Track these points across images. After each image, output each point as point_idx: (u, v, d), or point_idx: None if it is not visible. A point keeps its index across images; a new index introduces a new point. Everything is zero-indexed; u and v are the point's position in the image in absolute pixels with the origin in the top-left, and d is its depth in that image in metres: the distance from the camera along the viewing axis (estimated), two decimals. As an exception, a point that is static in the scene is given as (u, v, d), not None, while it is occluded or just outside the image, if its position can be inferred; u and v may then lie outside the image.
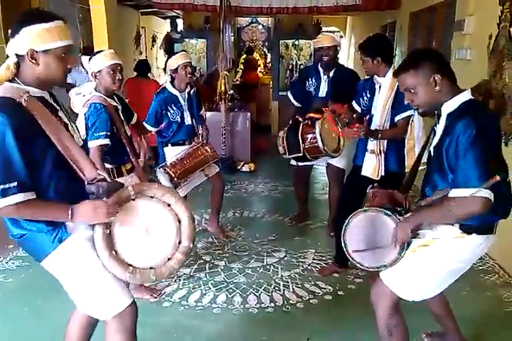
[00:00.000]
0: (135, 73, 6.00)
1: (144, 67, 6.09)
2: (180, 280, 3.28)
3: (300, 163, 3.93)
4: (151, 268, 1.83)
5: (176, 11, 9.77)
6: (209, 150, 3.65)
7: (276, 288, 3.20)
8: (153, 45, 11.96)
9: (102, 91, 2.79)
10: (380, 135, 2.98)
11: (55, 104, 1.78)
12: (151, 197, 1.87)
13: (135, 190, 1.83)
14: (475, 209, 1.76)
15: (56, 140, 1.67)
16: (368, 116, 3.14)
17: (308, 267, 3.52)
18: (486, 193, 1.73)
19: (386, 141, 3.04)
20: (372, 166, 3.09)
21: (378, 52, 2.97)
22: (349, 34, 12.97)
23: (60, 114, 1.79)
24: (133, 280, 1.83)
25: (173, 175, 3.43)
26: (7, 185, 1.56)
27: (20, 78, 1.66)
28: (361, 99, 3.22)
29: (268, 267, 3.52)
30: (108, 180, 1.82)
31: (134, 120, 3.13)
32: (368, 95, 3.14)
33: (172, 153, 3.63)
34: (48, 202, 1.69)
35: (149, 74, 6.43)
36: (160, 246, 1.86)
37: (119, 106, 2.86)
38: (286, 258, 3.67)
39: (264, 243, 3.96)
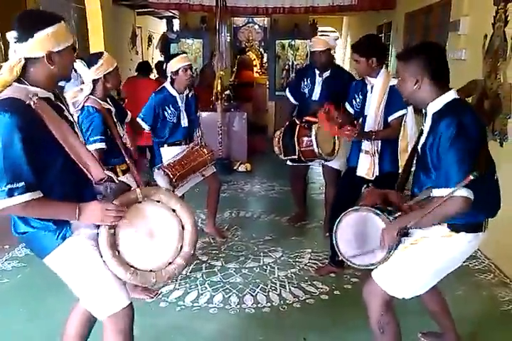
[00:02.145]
0: (130, 73, 6.03)
1: (145, 68, 6.21)
2: (176, 280, 3.27)
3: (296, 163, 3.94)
4: (151, 270, 1.85)
5: (172, 11, 9.75)
6: (207, 152, 3.67)
7: (273, 288, 3.20)
8: (149, 45, 11.96)
9: (99, 95, 2.78)
10: (373, 136, 2.99)
11: (60, 104, 1.80)
12: (157, 202, 1.90)
13: (143, 194, 1.86)
14: (454, 209, 1.79)
15: (64, 141, 1.68)
16: (361, 118, 3.15)
17: (305, 267, 3.53)
18: (464, 192, 1.75)
19: (380, 141, 3.05)
20: (366, 166, 3.10)
21: (373, 52, 2.97)
22: (345, 34, 13.00)
23: (66, 113, 1.81)
24: (133, 281, 1.84)
25: (172, 177, 3.42)
26: (14, 185, 1.57)
27: (27, 80, 1.66)
28: (353, 100, 3.23)
29: (264, 267, 3.52)
30: (115, 180, 1.86)
31: (129, 118, 3.14)
32: (360, 96, 3.15)
33: (168, 153, 3.63)
34: (55, 201, 1.70)
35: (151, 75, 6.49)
36: (162, 249, 1.88)
37: (113, 109, 2.86)
38: (282, 258, 3.67)
39: (260, 243, 3.96)
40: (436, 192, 1.82)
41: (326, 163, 3.91)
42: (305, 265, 3.56)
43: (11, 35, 1.62)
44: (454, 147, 1.77)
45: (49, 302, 2.99)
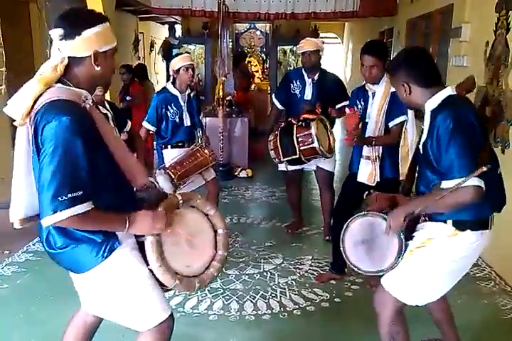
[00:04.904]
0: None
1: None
2: (176, 286, 3.26)
3: (291, 168, 3.95)
4: (194, 276, 1.86)
5: (174, 17, 9.80)
6: (208, 152, 3.71)
7: (273, 295, 3.19)
8: (151, 51, 12.00)
9: (95, 100, 2.77)
10: (374, 142, 3.00)
11: (102, 109, 1.77)
12: (192, 207, 1.94)
13: (183, 199, 1.87)
14: (467, 198, 1.76)
15: (113, 146, 1.63)
16: (361, 124, 3.14)
17: (306, 274, 3.51)
18: (476, 181, 1.74)
19: (381, 147, 3.05)
20: (368, 172, 3.09)
21: (386, 53, 3.04)
22: (347, 40, 13.03)
23: (109, 119, 1.77)
24: (178, 288, 1.82)
25: (174, 176, 3.50)
26: (74, 194, 1.46)
27: (69, 80, 1.59)
28: (355, 107, 3.23)
29: (265, 274, 3.51)
30: (158, 187, 1.86)
31: (128, 127, 3.14)
32: (362, 103, 3.16)
33: (171, 155, 3.68)
34: (107, 212, 1.59)
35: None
36: (200, 254, 1.91)
37: (109, 114, 2.85)
38: (283, 265, 3.66)
39: (261, 249, 3.95)
40: (446, 184, 1.80)
41: (319, 166, 3.94)
42: (306, 272, 3.54)
43: (56, 33, 1.55)
44: (454, 139, 1.77)
45: (48, 308, 2.97)
